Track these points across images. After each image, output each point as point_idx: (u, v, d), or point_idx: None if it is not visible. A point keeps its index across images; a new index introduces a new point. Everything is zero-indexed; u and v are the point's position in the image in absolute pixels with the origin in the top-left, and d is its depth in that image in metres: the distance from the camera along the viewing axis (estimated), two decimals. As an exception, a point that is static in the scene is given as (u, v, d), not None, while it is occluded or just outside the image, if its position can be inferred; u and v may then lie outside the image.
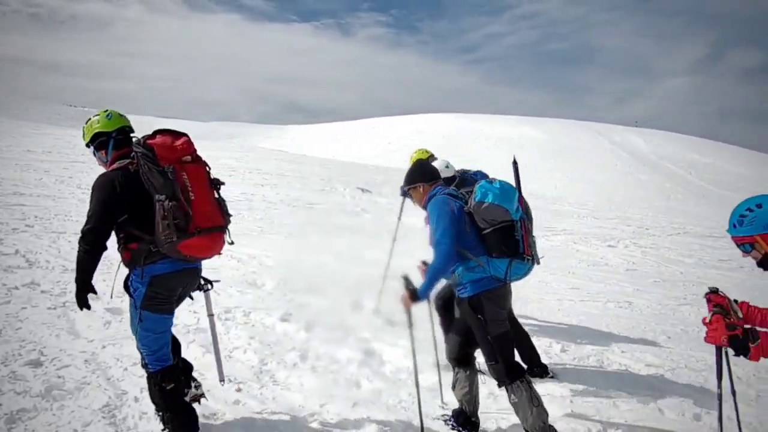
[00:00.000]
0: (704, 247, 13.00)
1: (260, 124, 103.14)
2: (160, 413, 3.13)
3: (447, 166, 4.63)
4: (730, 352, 2.51)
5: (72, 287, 3.13)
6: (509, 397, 3.27)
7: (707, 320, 2.58)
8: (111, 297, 2.95)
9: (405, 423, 3.59)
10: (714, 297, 3.09)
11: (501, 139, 56.85)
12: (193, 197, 2.81)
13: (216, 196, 3.01)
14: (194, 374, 3.95)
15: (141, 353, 3.04)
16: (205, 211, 2.85)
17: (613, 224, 15.48)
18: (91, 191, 2.87)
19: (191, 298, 3.28)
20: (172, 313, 3.05)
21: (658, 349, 5.52)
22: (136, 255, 2.86)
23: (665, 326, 6.42)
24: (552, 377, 4.49)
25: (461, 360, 3.53)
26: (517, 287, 7.77)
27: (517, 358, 4.56)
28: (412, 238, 3.64)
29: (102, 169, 3.05)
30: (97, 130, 3.05)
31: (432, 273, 3.19)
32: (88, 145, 3.12)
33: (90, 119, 3.14)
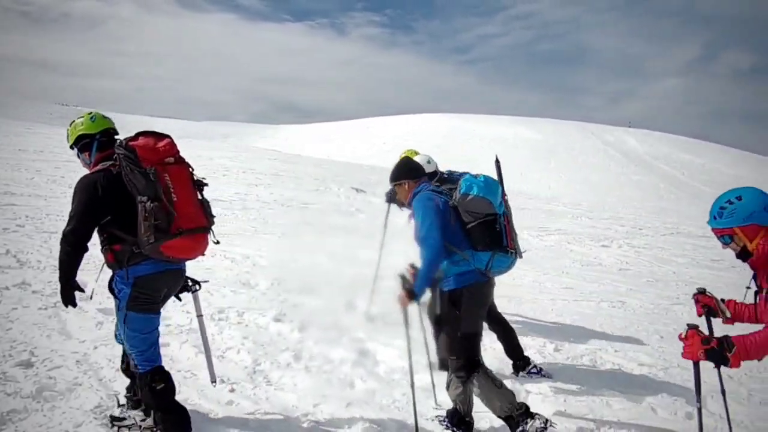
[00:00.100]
0: (697, 247, 13.07)
1: (254, 123, 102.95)
2: (152, 414, 3.12)
3: (428, 162, 4.63)
4: (711, 364, 2.52)
5: None
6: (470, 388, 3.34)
7: (682, 336, 2.59)
8: (91, 297, 2.96)
9: (399, 423, 3.58)
10: (702, 298, 3.11)
11: (495, 139, 56.97)
12: (175, 198, 2.82)
13: (199, 197, 3.03)
14: (186, 374, 3.95)
15: (130, 356, 3.03)
16: (187, 212, 2.86)
17: (606, 224, 15.53)
18: (73, 192, 2.88)
19: (179, 299, 3.29)
20: (158, 313, 3.05)
21: (651, 348, 5.54)
22: (120, 256, 2.87)
23: (658, 326, 6.45)
24: (545, 376, 4.50)
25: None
26: (511, 287, 7.81)
27: (501, 353, 4.60)
28: (402, 239, 3.65)
29: (86, 171, 3.05)
30: (80, 132, 3.07)
31: (425, 268, 3.20)
32: (71, 147, 3.13)
33: (74, 121, 3.16)
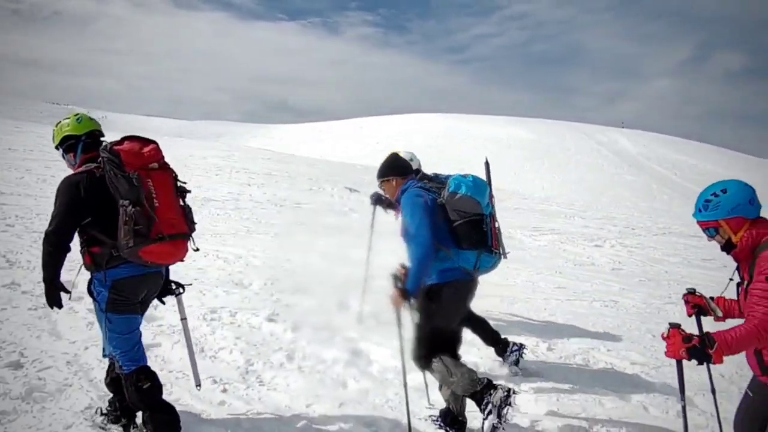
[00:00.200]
0: (689, 246, 13.15)
1: (247, 123, 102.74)
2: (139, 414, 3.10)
3: (411, 159, 4.64)
4: (694, 362, 2.54)
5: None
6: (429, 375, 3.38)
7: (664, 335, 2.61)
8: (69, 298, 2.97)
9: (392, 422, 3.58)
10: (691, 298, 3.13)
11: (489, 139, 57.13)
12: (157, 204, 2.84)
13: (181, 203, 3.04)
14: (178, 374, 3.93)
15: (114, 357, 3.03)
16: (168, 218, 2.87)
17: (599, 224, 15.59)
18: (56, 193, 2.89)
19: (162, 302, 3.29)
20: (139, 314, 3.06)
21: (643, 347, 5.56)
22: (98, 259, 2.88)
23: (650, 325, 6.47)
24: (524, 353, 4.57)
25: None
26: (504, 287, 7.81)
27: (492, 353, 4.61)
28: (391, 238, 3.65)
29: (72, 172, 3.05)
30: (66, 133, 3.08)
31: (416, 266, 3.20)
32: (57, 148, 3.14)
33: (60, 122, 3.18)
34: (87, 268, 2.97)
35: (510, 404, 3.23)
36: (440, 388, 3.55)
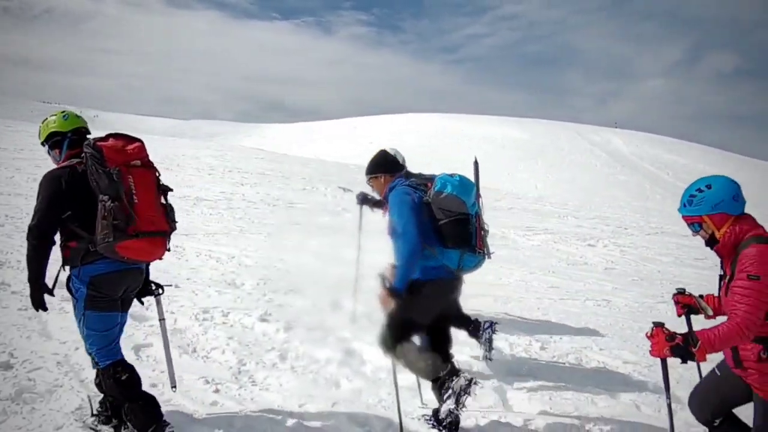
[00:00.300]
0: (681, 246, 13.22)
1: (241, 122, 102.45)
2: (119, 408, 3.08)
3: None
4: (678, 360, 2.56)
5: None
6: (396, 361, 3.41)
7: (648, 334, 2.64)
8: (53, 295, 2.97)
9: (385, 422, 3.57)
10: (681, 298, 3.15)
11: (483, 139, 57.20)
12: (136, 200, 2.84)
13: (162, 201, 3.05)
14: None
15: (90, 354, 3.03)
16: (147, 215, 2.88)
17: (592, 224, 15.65)
18: (38, 187, 2.90)
19: (141, 302, 3.28)
20: (118, 311, 3.05)
21: (636, 346, 5.58)
22: (74, 253, 2.88)
23: (642, 324, 6.50)
24: (496, 330, 4.62)
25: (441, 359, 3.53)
26: (497, 286, 7.81)
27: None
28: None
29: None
30: (52, 130, 3.10)
31: (403, 263, 3.22)
32: (43, 144, 3.16)
33: (47, 118, 3.19)
34: (65, 263, 2.97)
35: (470, 393, 3.27)
36: (432, 387, 3.55)
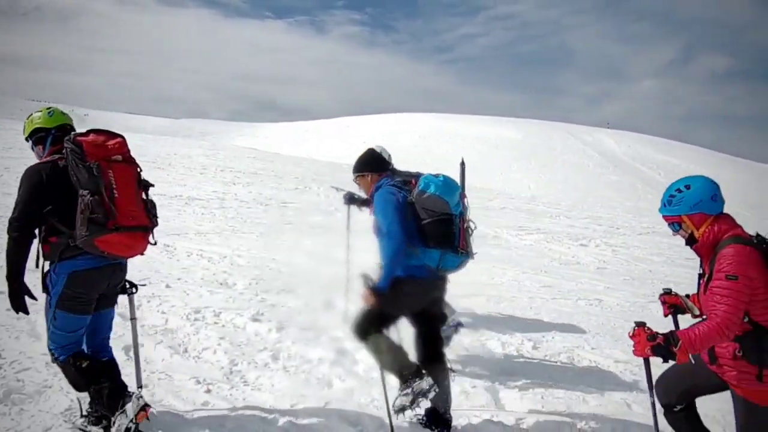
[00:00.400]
0: (672, 246, 13.31)
1: (233, 121, 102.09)
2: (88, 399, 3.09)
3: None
4: (659, 360, 2.59)
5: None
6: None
7: (630, 334, 2.67)
8: (35, 298, 2.96)
9: (377, 421, 3.56)
10: (668, 298, 3.18)
11: (476, 139, 57.30)
12: (116, 195, 2.84)
13: (144, 197, 3.05)
14: (161, 375, 3.88)
15: (50, 349, 3.03)
16: (128, 210, 2.88)
17: (585, 224, 15.73)
18: (19, 182, 2.91)
19: (115, 301, 3.26)
20: (89, 314, 3.04)
21: (627, 345, 5.58)
22: (54, 248, 2.88)
23: (634, 323, 6.54)
24: (460, 326, 4.63)
25: (431, 359, 3.53)
26: (490, 286, 7.80)
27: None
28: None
29: None
30: (36, 126, 3.11)
31: (388, 262, 3.24)
32: (27, 140, 3.17)
33: (32, 114, 3.21)
34: (45, 258, 2.96)
35: (427, 397, 3.33)
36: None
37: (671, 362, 2.61)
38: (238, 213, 10.75)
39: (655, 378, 2.98)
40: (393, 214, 3.28)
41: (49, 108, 3.22)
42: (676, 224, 2.77)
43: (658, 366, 2.84)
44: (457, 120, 69.48)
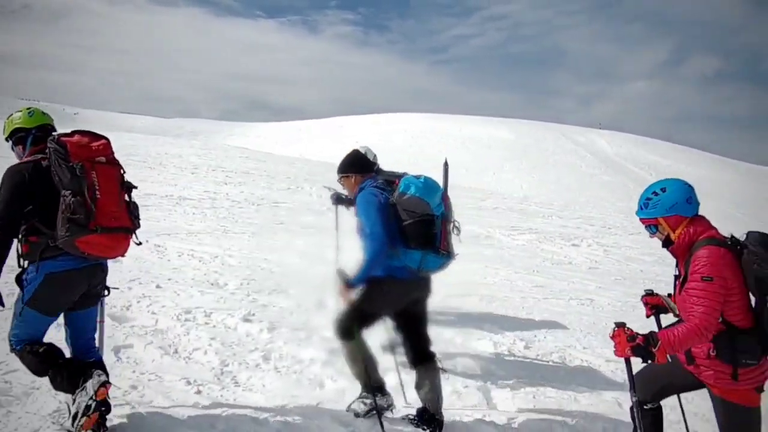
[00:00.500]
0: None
1: (225, 121, 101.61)
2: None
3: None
4: (639, 360, 2.61)
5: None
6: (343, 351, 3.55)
7: (611, 335, 2.69)
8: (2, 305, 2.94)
9: (369, 422, 3.54)
10: (650, 299, 3.20)
11: (469, 139, 57.40)
12: (99, 196, 2.83)
13: (127, 198, 3.06)
14: (151, 376, 3.85)
15: (9, 340, 3.03)
16: (109, 211, 2.87)
17: (577, 224, 15.80)
18: (0, 181, 2.89)
19: (97, 301, 3.24)
20: (55, 316, 3.05)
21: (618, 344, 5.64)
22: (34, 247, 2.87)
23: (614, 324, 6.57)
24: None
25: (422, 359, 3.53)
26: (482, 285, 7.79)
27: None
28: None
29: None
30: (16, 126, 3.10)
31: (368, 260, 3.28)
32: (7, 140, 3.15)
33: (12, 114, 3.19)
34: (23, 257, 2.94)
35: (383, 414, 3.46)
36: (416, 387, 3.55)
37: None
38: (229, 213, 10.70)
39: None
40: (375, 216, 3.31)
41: (29, 108, 3.21)
42: (652, 227, 2.82)
43: (639, 366, 2.86)
44: (449, 120, 69.57)
